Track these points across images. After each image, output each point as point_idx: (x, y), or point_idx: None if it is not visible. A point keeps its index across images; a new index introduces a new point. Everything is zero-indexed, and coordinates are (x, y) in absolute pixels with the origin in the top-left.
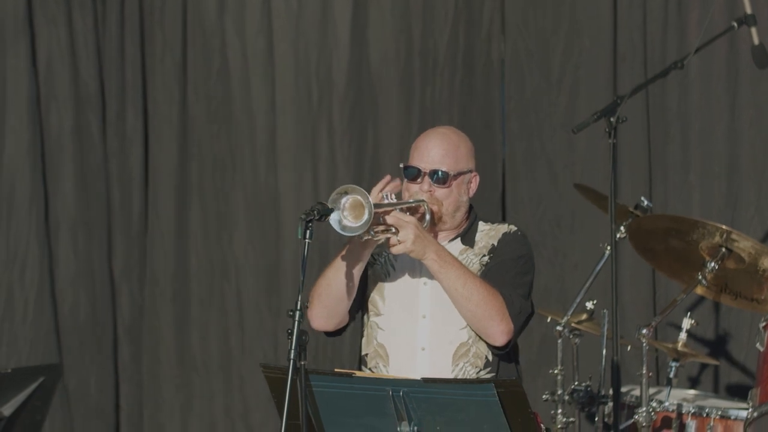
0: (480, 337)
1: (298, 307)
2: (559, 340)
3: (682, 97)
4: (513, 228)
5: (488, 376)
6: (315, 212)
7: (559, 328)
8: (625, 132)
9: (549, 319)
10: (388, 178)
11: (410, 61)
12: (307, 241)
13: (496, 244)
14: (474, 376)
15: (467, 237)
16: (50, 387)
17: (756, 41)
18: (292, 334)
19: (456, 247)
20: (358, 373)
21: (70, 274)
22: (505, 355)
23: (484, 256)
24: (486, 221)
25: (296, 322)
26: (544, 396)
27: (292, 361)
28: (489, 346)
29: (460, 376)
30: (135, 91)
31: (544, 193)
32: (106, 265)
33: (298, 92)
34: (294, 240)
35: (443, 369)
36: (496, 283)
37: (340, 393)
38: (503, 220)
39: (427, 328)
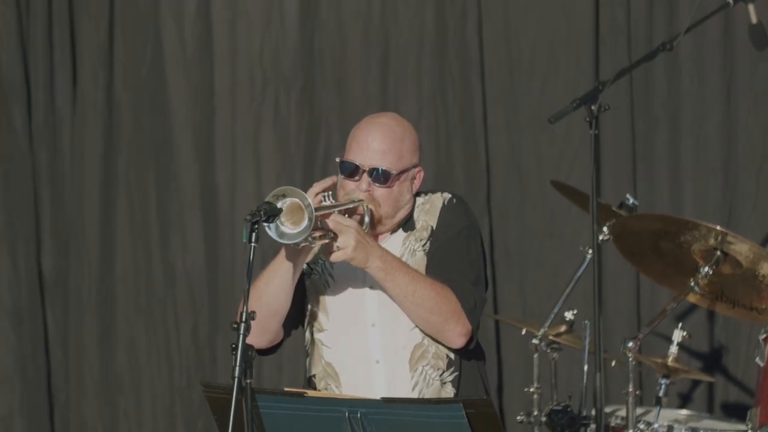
0: None
1: (243, 319)
2: (536, 355)
3: (672, 82)
4: (447, 197)
5: (452, 377)
6: (262, 213)
7: (535, 341)
8: (607, 122)
9: (524, 332)
10: (333, 179)
11: (368, 44)
12: (252, 244)
13: (434, 226)
14: (437, 379)
15: (408, 223)
16: None
17: (754, 20)
18: (236, 349)
19: (398, 237)
20: (310, 393)
21: None
22: (467, 351)
23: (426, 242)
24: (419, 193)
25: (241, 336)
26: (518, 417)
27: (236, 379)
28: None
29: (420, 382)
30: (64, 76)
31: (517, 192)
32: (35, 270)
33: (240, 80)
34: (235, 243)
35: (401, 379)
36: (442, 274)
37: (290, 414)
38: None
39: (378, 338)
